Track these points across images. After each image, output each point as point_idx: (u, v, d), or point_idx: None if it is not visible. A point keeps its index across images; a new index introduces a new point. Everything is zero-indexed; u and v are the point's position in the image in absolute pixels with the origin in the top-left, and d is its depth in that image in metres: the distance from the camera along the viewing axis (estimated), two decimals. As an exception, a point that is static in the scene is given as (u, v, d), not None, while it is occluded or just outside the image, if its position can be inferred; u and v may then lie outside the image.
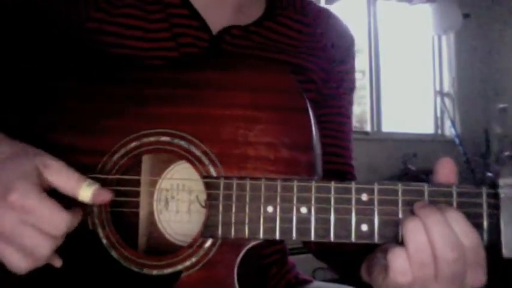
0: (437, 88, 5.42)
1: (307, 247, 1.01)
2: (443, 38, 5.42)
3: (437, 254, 0.60)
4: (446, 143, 5.06)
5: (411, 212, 0.64)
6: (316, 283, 1.07)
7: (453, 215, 0.62)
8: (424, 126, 5.40)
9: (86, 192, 0.67)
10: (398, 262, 0.62)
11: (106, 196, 0.69)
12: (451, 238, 0.60)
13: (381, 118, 4.94)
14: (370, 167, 4.34)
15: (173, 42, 0.90)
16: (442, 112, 5.36)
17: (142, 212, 0.80)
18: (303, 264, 1.12)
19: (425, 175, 4.14)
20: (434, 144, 5.03)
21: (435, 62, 5.50)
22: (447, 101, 5.32)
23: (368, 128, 4.90)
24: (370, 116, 4.92)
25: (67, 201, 0.66)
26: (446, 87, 5.39)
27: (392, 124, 5.01)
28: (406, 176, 4.37)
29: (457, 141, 4.90)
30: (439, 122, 5.39)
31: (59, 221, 0.63)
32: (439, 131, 5.39)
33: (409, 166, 4.55)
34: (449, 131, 5.22)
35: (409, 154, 4.61)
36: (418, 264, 0.61)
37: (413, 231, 0.61)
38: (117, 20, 0.89)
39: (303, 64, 0.98)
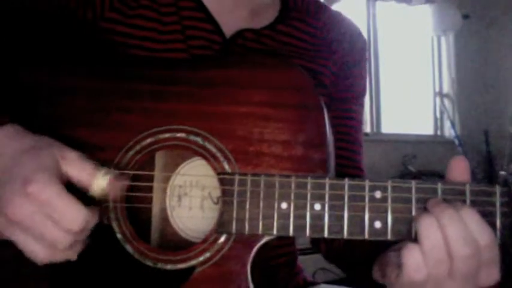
0: (437, 89, 5.42)
1: (316, 247, 1.01)
2: (443, 38, 5.42)
3: (452, 251, 0.61)
4: (446, 144, 5.07)
5: (425, 209, 0.65)
6: (322, 285, 1.07)
7: (468, 212, 0.62)
8: (424, 127, 5.40)
9: (101, 181, 0.67)
10: (413, 258, 0.62)
11: (120, 184, 0.69)
12: (465, 235, 0.61)
13: (381, 119, 4.95)
14: (369, 168, 4.29)
15: (185, 45, 0.91)
16: (441, 113, 5.37)
17: (155, 208, 0.81)
18: (304, 265, 1.13)
19: (425, 176, 4.15)
20: (434, 145, 5.04)
21: (434, 62, 5.51)
22: (447, 102, 5.33)
23: (368, 129, 4.90)
24: (369, 117, 4.92)
25: (86, 199, 0.67)
26: (446, 88, 5.39)
27: (392, 125, 5.01)
28: (405, 177, 4.38)
29: (456, 142, 4.91)
30: (438, 123, 5.40)
31: (75, 215, 0.63)
32: (439, 132, 5.40)
33: (409, 167, 4.56)
34: (449, 132, 5.23)
35: (408, 155, 4.62)
36: (433, 261, 0.61)
37: (428, 228, 0.62)
38: (131, 21, 0.90)
39: (314, 68, 0.99)
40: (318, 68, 0.99)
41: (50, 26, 0.87)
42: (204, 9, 0.94)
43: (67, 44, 0.85)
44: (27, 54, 0.81)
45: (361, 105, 1.09)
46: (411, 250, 0.62)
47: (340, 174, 0.92)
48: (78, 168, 0.67)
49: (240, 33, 0.95)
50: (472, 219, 0.62)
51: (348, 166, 1.03)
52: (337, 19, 1.07)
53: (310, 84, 0.74)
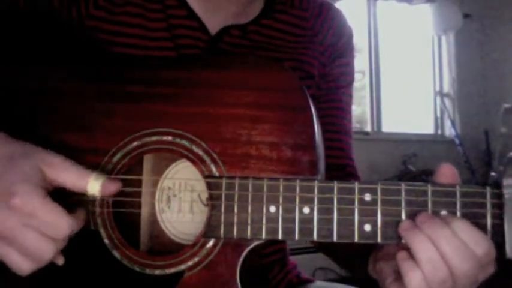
0: (437, 88, 5.41)
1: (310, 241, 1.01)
2: (443, 38, 5.41)
3: (452, 267, 0.61)
4: (446, 143, 5.06)
5: (414, 216, 0.64)
6: (318, 283, 1.06)
7: (459, 225, 0.61)
8: (424, 126, 5.39)
9: (94, 186, 0.67)
10: (416, 283, 0.61)
11: (114, 187, 0.69)
12: (462, 249, 0.60)
13: (381, 118, 4.94)
14: (370, 167, 4.34)
15: (171, 43, 0.90)
16: (442, 112, 5.36)
17: (144, 212, 0.80)
18: (303, 264, 1.12)
19: (425, 175, 4.14)
20: (435, 144, 5.04)
21: (435, 62, 5.50)
22: (447, 101, 5.32)
23: (368, 128, 4.90)
24: (370, 116, 4.92)
25: (69, 203, 0.66)
26: (446, 88, 5.38)
27: (392, 124, 5.00)
28: (406, 176, 4.37)
29: (457, 141, 4.90)
30: (439, 122, 5.39)
31: (62, 225, 0.63)
32: (439, 131, 5.39)
33: (409, 166, 4.55)
34: (449, 131, 5.22)
35: (409, 154, 4.61)
36: (436, 281, 0.61)
37: (424, 249, 0.61)
38: (118, 18, 0.89)
39: (302, 59, 0.98)
40: (305, 59, 0.99)
41: (33, 26, 0.86)
42: (186, 6, 0.93)
43: (52, 45, 0.84)
44: (10, 56, 0.80)
45: (350, 95, 1.08)
46: (412, 273, 0.62)
47: (330, 165, 0.91)
48: (68, 175, 0.67)
49: (225, 30, 0.93)
50: (465, 231, 0.61)
51: (338, 156, 1.02)
52: (323, 8, 1.06)
53: (297, 84, 0.72)
